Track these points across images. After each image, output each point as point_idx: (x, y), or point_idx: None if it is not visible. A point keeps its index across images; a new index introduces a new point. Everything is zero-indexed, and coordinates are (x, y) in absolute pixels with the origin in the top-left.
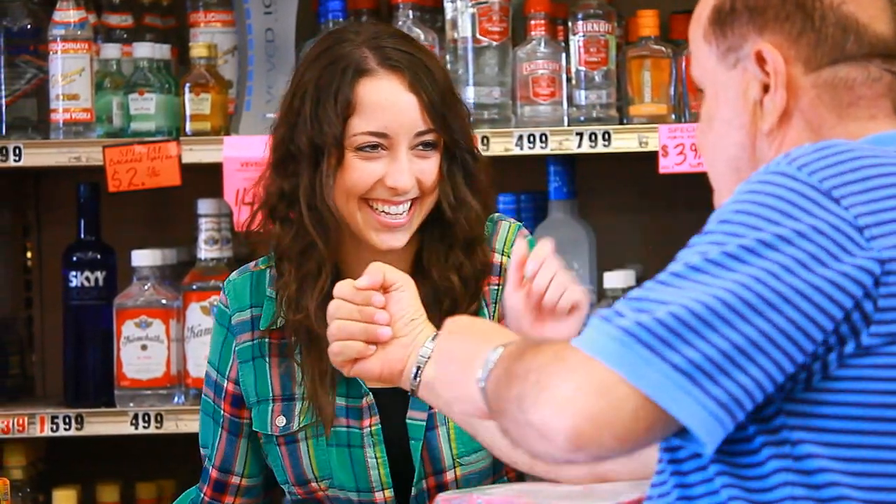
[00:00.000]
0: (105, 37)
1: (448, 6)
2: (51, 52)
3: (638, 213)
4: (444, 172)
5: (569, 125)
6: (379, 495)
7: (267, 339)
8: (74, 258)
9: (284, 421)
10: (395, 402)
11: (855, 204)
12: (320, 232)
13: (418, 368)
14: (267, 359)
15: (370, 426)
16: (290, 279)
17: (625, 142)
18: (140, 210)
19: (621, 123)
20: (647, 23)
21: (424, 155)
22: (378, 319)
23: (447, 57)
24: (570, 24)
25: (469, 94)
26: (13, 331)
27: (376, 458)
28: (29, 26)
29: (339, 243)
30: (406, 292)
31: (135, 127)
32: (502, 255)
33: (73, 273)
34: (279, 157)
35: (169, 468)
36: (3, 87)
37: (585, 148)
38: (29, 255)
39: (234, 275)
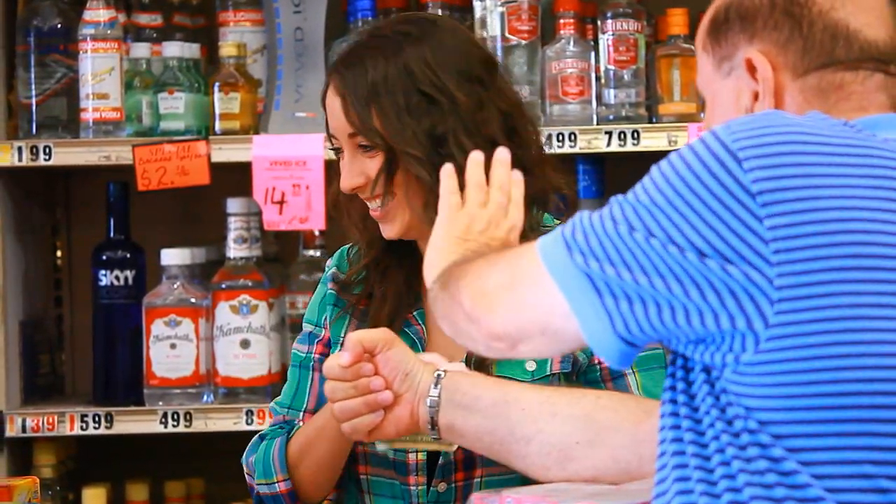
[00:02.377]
0: (135, 36)
1: (477, 5)
2: (81, 52)
3: None
4: (382, 171)
5: (598, 124)
6: (412, 455)
7: (353, 302)
8: (104, 257)
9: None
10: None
11: (755, 168)
12: (357, 218)
13: (432, 419)
14: (347, 318)
15: None
16: (359, 239)
17: (654, 141)
18: (169, 209)
19: (650, 122)
20: (677, 21)
21: (368, 155)
22: (374, 387)
23: None
24: (599, 22)
25: None
26: (43, 330)
27: None
28: (59, 26)
29: (371, 228)
30: (391, 350)
31: (164, 126)
32: None
33: (103, 272)
34: None
35: (198, 467)
36: (33, 87)
37: (614, 147)
38: (59, 253)
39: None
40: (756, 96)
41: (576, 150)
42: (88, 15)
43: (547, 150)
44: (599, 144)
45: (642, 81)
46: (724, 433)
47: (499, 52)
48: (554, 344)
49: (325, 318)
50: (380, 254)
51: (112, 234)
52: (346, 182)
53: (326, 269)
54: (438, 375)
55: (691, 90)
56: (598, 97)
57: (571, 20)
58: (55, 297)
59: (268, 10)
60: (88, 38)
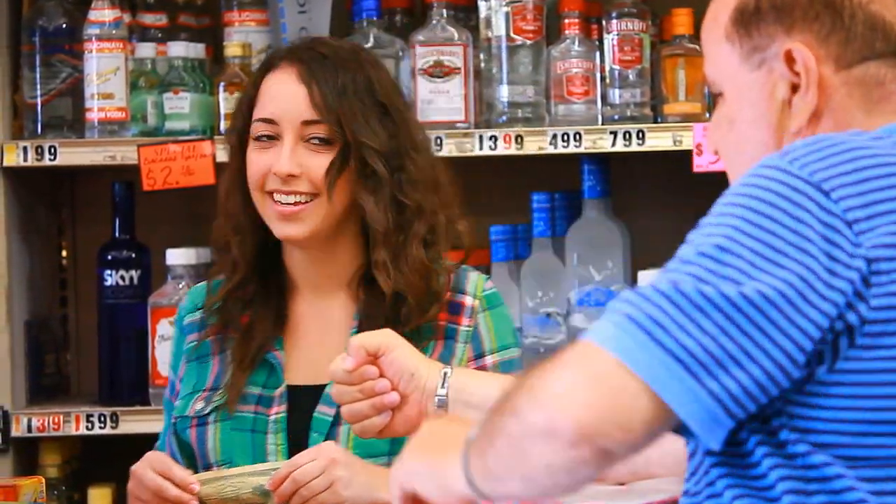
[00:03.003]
0: (140, 36)
1: (482, 5)
2: (86, 52)
3: (672, 211)
4: (333, 168)
5: (603, 124)
6: None
7: (212, 338)
8: (109, 257)
9: (202, 405)
10: (308, 397)
11: (844, 197)
12: (235, 228)
13: None
14: (210, 357)
15: (277, 414)
16: (215, 270)
17: (659, 140)
18: (174, 209)
19: (655, 122)
20: (682, 21)
21: (316, 149)
22: (380, 390)
23: (481, 56)
24: (604, 22)
25: (503, 93)
26: (48, 330)
27: (276, 444)
28: (64, 26)
29: (254, 241)
30: (395, 352)
31: (169, 126)
32: (474, 298)
33: (108, 272)
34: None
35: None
36: (38, 87)
37: (619, 147)
38: (64, 253)
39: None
40: (794, 88)
41: (580, 150)
42: (93, 15)
43: (552, 150)
44: (604, 144)
45: (647, 81)
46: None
47: (504, 52)
48: (646, 438)
49: (181, 370)
50: (248, 275)
51: (117, 234)
52: (286, 167)
53: (180, 312)
54: (445, 374)
55: (696, 90)
56: (603, 97)
57: (576, 20)
58: (60, 297)
59: (273, 10)
60: (93, 38)
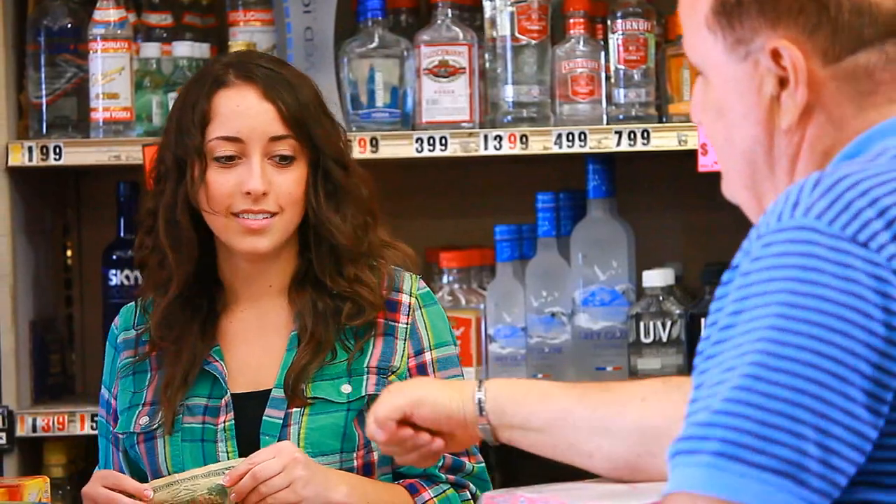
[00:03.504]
0: (145, 36)
1: (487, 5)
2: (91, 52)
3: (677, 211)
4: (309, 186)
5: (608, 123)
6: None
7: (146, 352)
8: (114, 256)
9: (147, 420)
10: (254, 402)
11: (885, 244)
12: (174, 245)
13: (494, 438)
14: (148, 373)
15: (224, 422)
16: (146, 289)
17: (664, 140)
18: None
19: (660, 122)
20: None
21: (281, 167)
22: (421, 443)
23: (486, 56)
24: (609, 22)
25: (508, 93)
26: (53, 329)
27: (227, 452)
28: (69, 25)
29: (193, 257)
30: (423, 408)
31: None
32: (410, 296)
33: (113, 271)
34: (153, 176)
35: None
36: (43, 87)
37: (624, 146)
38: (69, 253)
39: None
40: (782, 83)
41: (586, 149)
42: (98, 15)
43: (557, 149)
44: (609, 144)
45: (652, 81)
46: None
47: (509, 52)
48: None
49: (114, 386)
50: (184, 291)
51: (122, 234)
52: (260, 185)
53: (113, 330)
54: (479, 402)
55: None
56: (608, 97)
57: (581, 20)
58: (65, 296)
59: (278, 10)
60: (99, 38)
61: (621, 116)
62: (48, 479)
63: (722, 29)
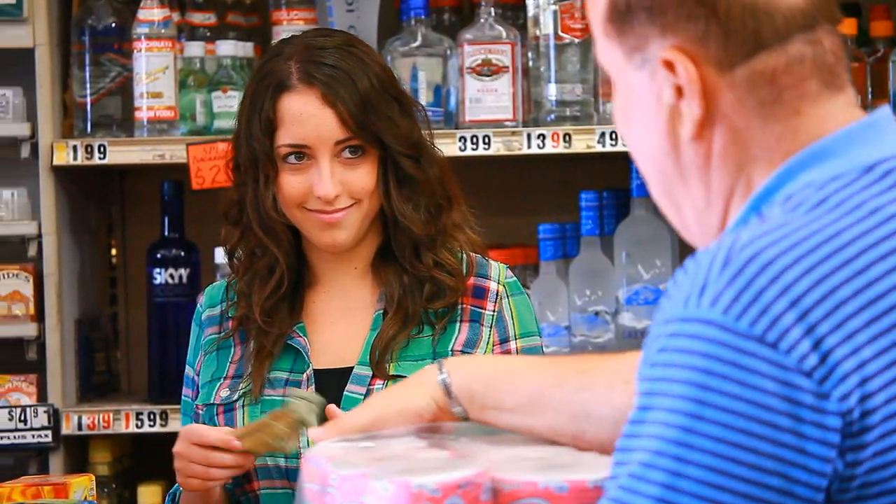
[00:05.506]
0: (188, 35)
1: (530, 3)
2: (135, 51)
3: None
4: (379, 176)
5: None
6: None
7: (231, 329)
8: (158, 255)
9: (228, 392)
10: (336, 378)
11: (796, 342)
12: (272, 236)
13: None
14: (232, 349)
15: None
16: (239, 276)
17: None
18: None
19: None
20: None
21: (351, 163)
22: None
23: (529, 54)
24: None
25: (551, 92)
26: (98, 328)
27: None
28: (113, 25)
29: (292, 247)
30: (388, 423)
31: (218, 125)
32: (498, 283)
33: (157, 270)
34: (232, 166)
35: None
36: (88, 86)
37: None
38: (113, 252)
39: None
40: (680, 91)
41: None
42: (143, 14)
43: (600, 148)
44: None
45: None
46: None
47: (552, 51)
48: None
49: (197, 363)
50: (285, 273)
51: (166, 233)
52: (330, 190)
53: (198, 308)
54: (445, 383)
55: None
56: None
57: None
58: (110, 295)
59: (321, 9)
60: (143, 37)
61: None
62: (93, 477)
63: (617, 36)
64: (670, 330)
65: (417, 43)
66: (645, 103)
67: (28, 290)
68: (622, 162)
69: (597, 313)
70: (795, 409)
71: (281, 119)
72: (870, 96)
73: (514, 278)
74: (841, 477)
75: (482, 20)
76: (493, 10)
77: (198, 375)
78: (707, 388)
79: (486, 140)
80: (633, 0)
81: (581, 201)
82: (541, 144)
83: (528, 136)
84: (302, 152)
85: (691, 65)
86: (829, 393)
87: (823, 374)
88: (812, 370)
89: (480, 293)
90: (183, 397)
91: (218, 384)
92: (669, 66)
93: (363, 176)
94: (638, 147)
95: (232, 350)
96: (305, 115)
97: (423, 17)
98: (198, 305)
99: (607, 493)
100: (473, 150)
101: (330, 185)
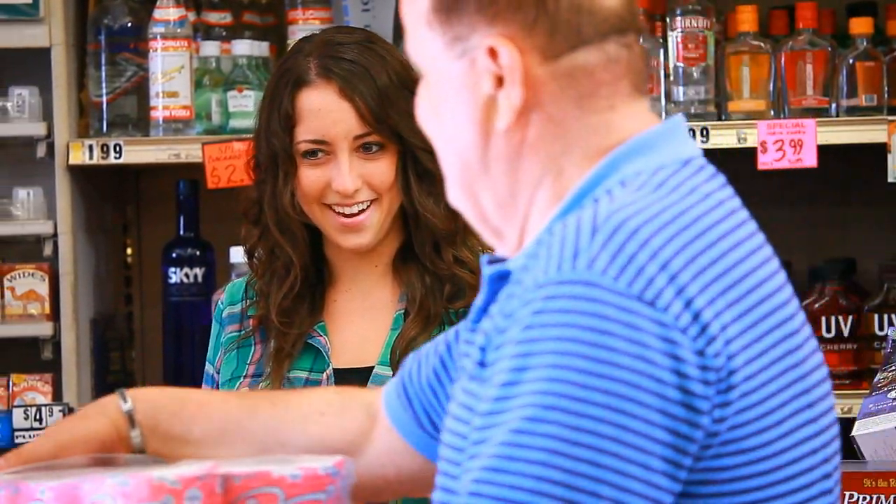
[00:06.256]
0: (204, 34)
1: None
2: (151, 50)
3: None
4: (399, 171)
5: None
6: None
7: (251, 328)
8: (174, 255)
9: (247, 391)
10: (356, 378)
11: (670, 302)
12: (287, 236)
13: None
14: (252, 347)
15: None
16: (259, 276)
17: (723, 138)
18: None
19: (720, 119)
20: (746, 18)
21: (371, 157)
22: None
23: None
24: (668, 19)
25: None
26: (114, 327)
27: None
28: (129, 24)
29: (308, 245)
30: (70, 453)
31: (234, 124)
32: None
33: (173, 269)
34: (251, 165)
35: None
36: (104, 85)
37: None
38: (129, 251)
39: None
40: (500, 81)
41: None
42: (158, 13)
43: None
44: None
45: (711, 78)
46: None
47: None
48: None
49: (217, 360)
50: (301, 273)
51: (182, 232)
52: (350, 185)
53: (219, 305)
54: (129, 413)
55: (761, 87)
56: (667, 94)
57: (640, 17)
58: (126, 294)
59: (336, 9)
60: (158, 37)
61: (680, 114)
62: None
63: (441, 25)
64: (546, 293)
65: None
66: (459, 94)
67: (43, 289)
68: None
69: None
70: (679, 364)
71: (299, 114)
72: (886, 95)
73: None
74: (708, 432)
75: None
76: None
77: (217, 373)
78: (594, 345)
79: None
80: None
81: None
82: None
83: None
84: (321, 148)
85: (516, 52)
86: (704, 350)
87: (697, 331)
88: (687, 328)
89: None
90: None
91: (238, 383)
92: (493, 53)
93: (383, 170)
94: (443, 139)
95: (252, 349)
96: (324, 109)
97: None
98: (218, 302)
99: (477, 462)
100: None
101: (349, 180)
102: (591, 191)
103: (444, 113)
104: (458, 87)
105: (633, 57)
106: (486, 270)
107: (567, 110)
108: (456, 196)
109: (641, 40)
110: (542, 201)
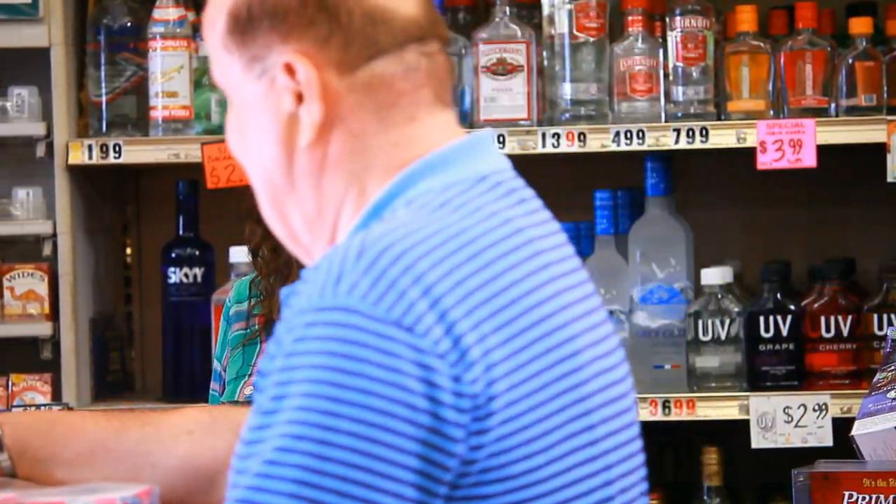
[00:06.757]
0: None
1: (545, 2)
2: (150, 50)
3: (735, 209)
4: None
5: (666, 121)
6: None
7: (257, 326)
8: (173, 255)
9: (252, 390)
10: None
11: (430, 327)
12: None
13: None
14: (258, 345)
15: None
16: (264, 274)
17: (722, 138)
18: (238, 207)
19: (719, 119)
20: (746, 18)
21: None
22: None
23: (544, 53)
24: (667, 19)
25: (566, 90)
26: (113, 327)
27: None
28: (129, 24)
29: None
30: None
31: None
32: None
33: (172, 269)
34: None
35: None
36: (103, 85)
37: (683, 144)
38: (128, 251)
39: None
40: (300, 97)
41: (644, 147)
42: (158, 13)
43: (615, 147)
44: (668, 142)
45: (711, 78)
46: None
47: (567, 50)
48: None
49: (226, 360)
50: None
51: (181, 232)
52: None
53: (227, 303)
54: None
55: (761, 87)
56: (667, 94)
57: (640, 17)
58: (125, 294)
59: None
60: (158, 37)
61: (679, 114)
62: None
63: (237, 47)
64: (306, 320)
65: None
66: (261, 114)
67: (43, 289)
68: (637, 161)
69: (611, 312)
70: (433, 390)
71: None
72: (885, 95)
73: None
74: (465, 460)
75: (497, 19)
76: (507, 8)
77: (224, 371)
78: (347, 372)
79: (501, 139)
80: (256, 9)
81: (595, 200)
82: (555, 143)
83: (543, 135)
84: None
85: (313, 68)
86: (461, 376)
87: (456, 357)
88: (445, 353)
89: None
90: (210, 391)
91: (243, 381)
92: (290, 70)
93: None
94: (251, 159)
95: (258, 347)
96: None
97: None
98: (226, 300)
99: (235, 493)
100: None
101: None
102: (384, 209)
103: (249, 133)
104: (260, 106)
105: (435, 66)
106: (285, 291)
107: (367, 124)
108: (267, 214)
109: (641, 40)
110: (346, 218)
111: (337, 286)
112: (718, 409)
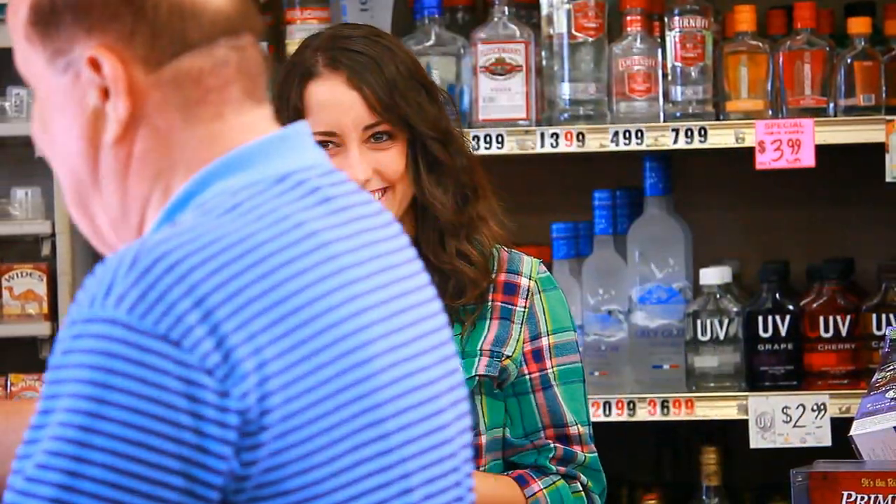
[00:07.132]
0: None
1: (544, 2)
2: None
3: (734, 208)
4: (409, 160)
5: (665, 121)
6: None
7: None
8: None
9: None
10: None
11: (200, 340)
12: None
13: None
14: None
15: None
16: None
17: (721, 137)
18: None
19: (717, 119)
20: (744, 18)
21: (381, 147)
22: None
23: (543, 53)
24: (666, 19)
25: (564, 90)
26: None
27: None
28: None
29: None
30: None
31: None
32: (529, 279)
33: None
34: None
35: None
36: None
37: (681, 144)
38: None
39: None
40: (106, 93)
41: (642, 147)
42: None
43: (613, 147)
44: (666, 142)
45: (709, 78)
46: None
47: (565, 50)
48: None
49: None
50: None
51: None
52: (361, 174)
53: None
54: None
55: (759, 87)
56: (665, 94)
57: (638, 17)
58: None
59: (335, 8)
60: None
61: (678, 114)
62: None
63: (41, 40)
64: (75, 331)
65: (431, 42)
66: (66, 108)
67: (42, 289)
68: (635, 161)
69: (610, 312)
70: (197, 406)
71: (308, 107)
72: (884, 94)
73: (547, 273)
74: (236, 476)
75: (496, 19)
76: (506, 8)
77: None
78: (107, 387)
79: (500, 139)
80: (59, 1)
81: (594, 200)
82: (554, 143)
83: (542, 135)
84: (331, 140)
85: (118, 63)
86: (229, 391)
87: (225, 372)
88: (214, 368)
89: (511, 289)
90: None
91: None
92: (95, 65)
93: (393, 159)
94: (55, 154)
95: None
96: (332, 100)
97: (436, 15)
98: None
99: (6, 496)
100: (487, 149)
101: (360, 169)
102: (179, 211)
103: (54, 128)
104: (65, 101)
105: (245, 60)
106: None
107: (173, 121)
108: (73, 213)
109: (640, 40)
110: (150, 220)
111: (106, 297)
112: (717, 409)
